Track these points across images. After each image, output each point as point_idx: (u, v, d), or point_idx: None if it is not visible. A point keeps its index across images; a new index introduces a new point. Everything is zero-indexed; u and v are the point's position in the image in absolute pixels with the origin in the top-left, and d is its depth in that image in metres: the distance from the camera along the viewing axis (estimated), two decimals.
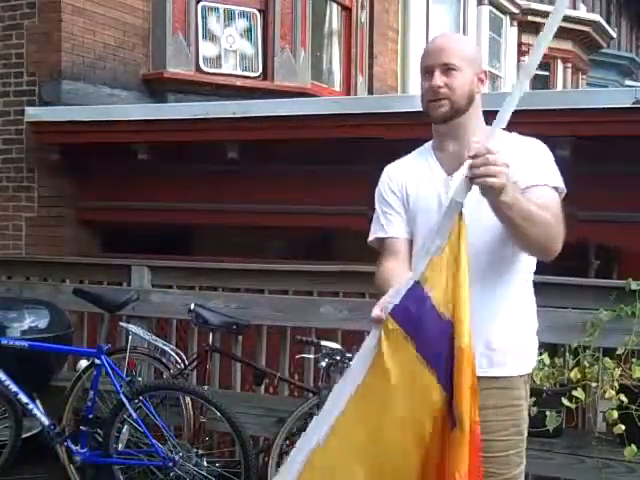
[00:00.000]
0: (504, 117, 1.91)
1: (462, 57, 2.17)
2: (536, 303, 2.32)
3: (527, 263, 2.23)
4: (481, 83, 2.22)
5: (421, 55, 2.25)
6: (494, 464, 2.16)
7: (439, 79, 2.14)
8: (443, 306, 1.87)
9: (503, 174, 1.85)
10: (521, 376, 2.25)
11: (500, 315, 2.19)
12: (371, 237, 2.37)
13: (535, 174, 2.12)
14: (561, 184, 2.17)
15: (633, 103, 4.22)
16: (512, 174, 1.97)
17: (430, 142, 2.34)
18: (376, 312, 1.93)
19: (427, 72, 2.18)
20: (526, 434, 2.26)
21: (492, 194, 1.88)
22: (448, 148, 2.24)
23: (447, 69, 2.15)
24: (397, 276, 2.10)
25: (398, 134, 4.51)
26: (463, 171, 2.03)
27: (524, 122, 4.21)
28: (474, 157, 1.85)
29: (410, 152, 2.40)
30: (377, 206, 2.37)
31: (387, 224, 2.31)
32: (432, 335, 1.87)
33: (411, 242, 2.29)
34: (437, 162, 2.26)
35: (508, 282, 2.20)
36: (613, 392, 3.47)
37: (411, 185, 2.28)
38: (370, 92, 8.93)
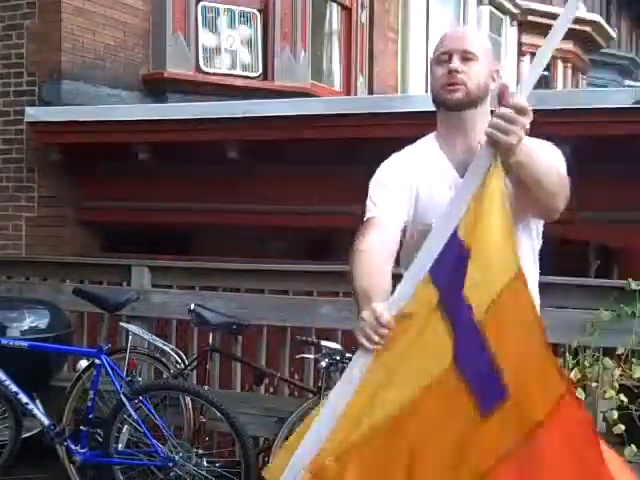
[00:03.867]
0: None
1: (481, 48, 2.15)
2: None
3: (533, 243, 2.20)
4: (493, 81, 2.18)
5: (437, 43, 2.19)
6: None
7: (457, 63, 2.10)
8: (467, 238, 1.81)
9: (514, 134, 1.82)
10: None
11: None
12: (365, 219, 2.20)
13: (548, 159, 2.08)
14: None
15: (633, 103, 4.22)
16: None
17: (433, 135, 2.26)
18: (386, 316, 1.85)
19: (444, 58, 2.13)
20: None
21: (500, 150, 1.86)
22: (455, 144, 2.17)
23: (466, 57, 2.11)
24: (375, 272, 1.99)
25: (398, 134, 4.51)
26: None
27: None
28: (499, 116, 1.83)
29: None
30: (373, 188, 2.22)
31: (382, 202, 2.16)
32: (454, 278, 1.80)
33: (403, 233, 2.16)
34: (447, 161, 2.18)
35: None
36: (613, 392, 3.47)
37: (422, 184, 2.18)
38: (370, 92, 8.93)
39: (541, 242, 2.26)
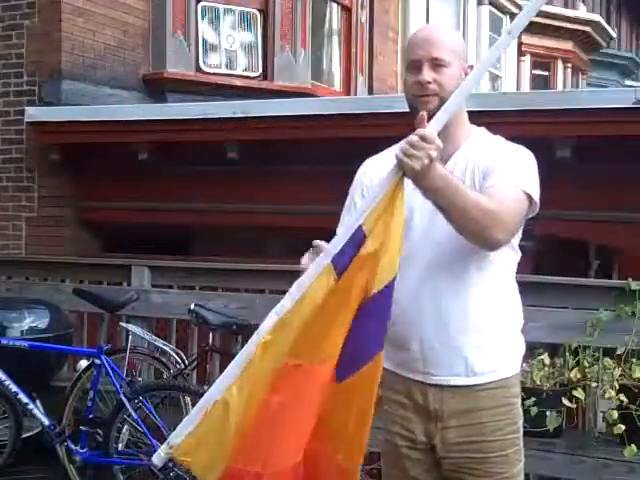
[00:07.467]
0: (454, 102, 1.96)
1: (451, 51, 2.10)
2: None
3: (504, 256, 2.15)
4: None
5: (407, 47, 2.17)
6: (494, 464, 2.15)
7: (428, 74, 2.07)
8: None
9: (416, 159, 1.85)
10: (514, 375, 2.22)
11: (484, 315, 2.13)
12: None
13: (508, 175, 2.05)
14: (533, 193, 2.08)
15: (633, 103, 4.22)
16: (475, 172, 2.07)
17: None
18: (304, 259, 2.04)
19: (414, 66, 2.11)
20: (522, 431, 2.24)
21: (406, 172, 1.89)
22: None
23: (436, 64, 2.08)
24: None
25: (398, 134, 4.51)
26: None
27: (525, 122, 4.22)
28: (406, 142, 1.88)
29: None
30: (349, 195, 2.34)
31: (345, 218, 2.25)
32: None
33: None
34: None
35: (485, 276, 2.13)
36: (613, 392, 3.47)
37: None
38: (370, 92, 8.93)
39: (519, 254, 2.22)
